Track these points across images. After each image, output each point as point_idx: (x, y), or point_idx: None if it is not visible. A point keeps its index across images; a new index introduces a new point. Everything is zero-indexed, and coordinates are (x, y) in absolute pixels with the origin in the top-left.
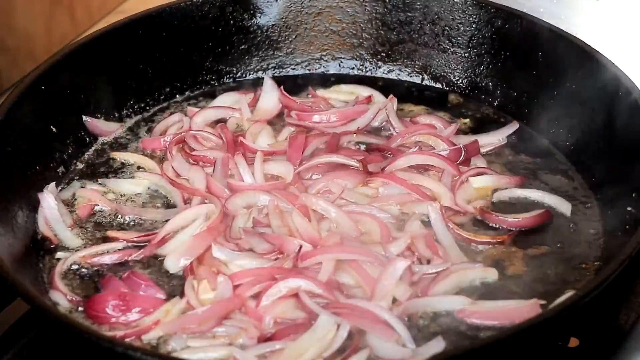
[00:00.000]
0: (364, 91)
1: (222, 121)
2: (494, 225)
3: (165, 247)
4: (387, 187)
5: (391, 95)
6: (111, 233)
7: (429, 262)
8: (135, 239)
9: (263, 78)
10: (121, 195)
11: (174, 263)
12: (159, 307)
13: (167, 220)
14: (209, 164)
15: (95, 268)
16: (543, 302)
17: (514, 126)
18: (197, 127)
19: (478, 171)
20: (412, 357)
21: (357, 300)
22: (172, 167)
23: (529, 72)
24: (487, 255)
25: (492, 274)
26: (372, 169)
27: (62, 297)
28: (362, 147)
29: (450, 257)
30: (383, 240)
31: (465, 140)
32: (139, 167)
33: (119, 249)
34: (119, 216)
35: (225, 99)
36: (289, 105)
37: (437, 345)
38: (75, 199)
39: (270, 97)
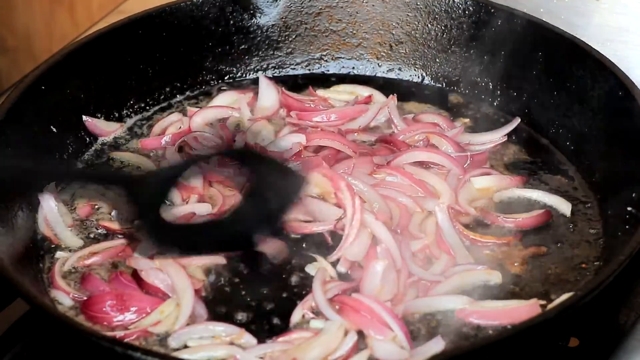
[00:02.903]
0: (364, 91)
1: (221, 121)
2: (497, 226)
3: None
4: (392, 181)
5: (392, 94)
6: (102, 222)
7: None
8: (119, 230)
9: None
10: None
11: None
12: (156, 307)
13: None
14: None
15: (93, 267)
16: (543, 302)
17: (514, 122)
18: (196, 127)
19: (481, 172)
20: (411, 358)
21: (361, 296)
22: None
23: (529, 72)
24: (488, 255)
25: (495, 277)
26: (377, 161)
27: (64, 296)
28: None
29: (457, 257)
30: (402, 223)
31: (470, 138)
32: (138, 168)
33: (112, 247)
34: (118, 215)
35: (224, 99)
36: (289, 104)
37: (437, 345)
38: (75, 199)
39: (268, 95)
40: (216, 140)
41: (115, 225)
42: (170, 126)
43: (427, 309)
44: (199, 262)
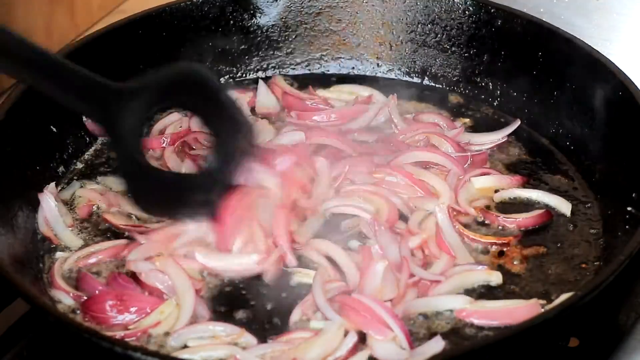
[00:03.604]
0: (364, 91)
1: None
2: (497, 226)
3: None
4: (392, 181)
5: (392, 94)
6: (105, 215)
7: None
8: (122, 226)
9: (263, 78)
10: (119, 195)
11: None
12: (157, 307)
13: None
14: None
15: (93, 267)
16: (543, 302)
17: (515, 124)
18: (196, 127)
19: (481, 172)
20: (411, 358)
21: (361, 296)
22: (168, 167)
23: (529, 72)
24: (488, 255)
25: (496, 278)
26: (377, 161)
27: (65, 296)
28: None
29: (457, 257)
30: (389, 221)
31: (470, 137)
32: None
33: (113, 247)
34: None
35: None
36: (290, 103)
37: (437, 345)
38: (75, 199)
39: (266, 98)
40: None
41: (118, 220)
42: (170, 126)
43: (427, 309)
44: (197, 266)
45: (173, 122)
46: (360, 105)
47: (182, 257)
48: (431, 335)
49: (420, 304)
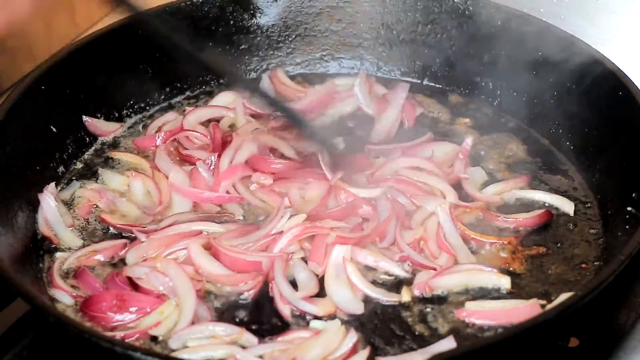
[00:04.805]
0: None
1: (216, 120)
2: (498, 226)
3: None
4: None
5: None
6: (103, 215)
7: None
8: (120, 226)
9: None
10: (118, 194)
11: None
12: (156, 307)
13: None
14: (193, 164)
15: (92, 267)
16: (543, 302)
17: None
18: (189, 126)
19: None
20: (419, 355)
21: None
22: (158, 168)
23: (529, 72)
24: (488, 255)
25: (505, 283)
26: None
27: (64, 295)
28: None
29: (459, 256)
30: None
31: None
32: (137, 169)
33: (112, 246)
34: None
35: (222, 99)
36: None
37: (449, 344)
38: (75, 199)
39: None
40: (208, 140)
41: (116, 221)
42: (165, 125)
43: (458, 287)
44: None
45: (169, 121)
46: (330, 88)
47: (178, 259)
48: (433, 333)
49: (452, 280)
